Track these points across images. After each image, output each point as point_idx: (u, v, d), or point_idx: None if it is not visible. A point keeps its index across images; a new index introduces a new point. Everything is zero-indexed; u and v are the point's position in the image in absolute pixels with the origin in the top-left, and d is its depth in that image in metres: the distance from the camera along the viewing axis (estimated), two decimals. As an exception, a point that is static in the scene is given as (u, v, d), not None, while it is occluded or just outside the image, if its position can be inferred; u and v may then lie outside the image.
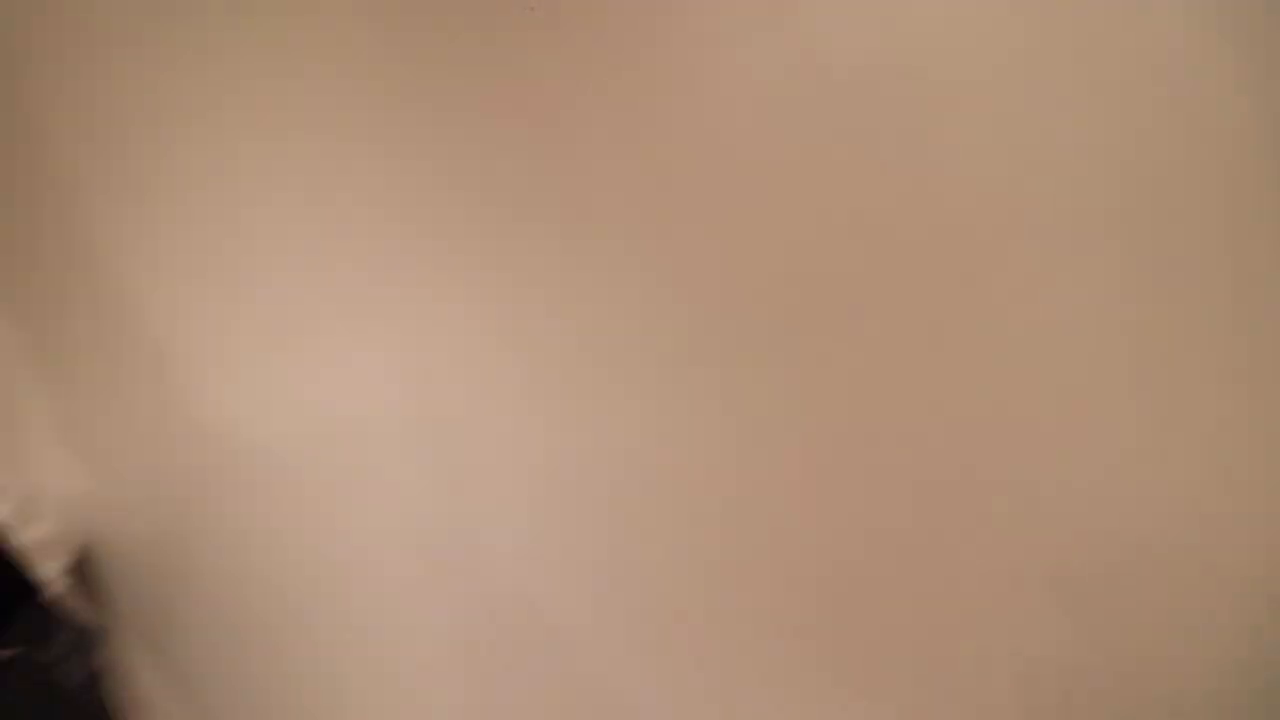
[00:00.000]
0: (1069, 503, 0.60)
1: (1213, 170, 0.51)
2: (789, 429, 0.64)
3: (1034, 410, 0.57)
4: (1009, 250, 0.56)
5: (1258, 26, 0.52)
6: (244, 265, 0.87)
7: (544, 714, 0.80)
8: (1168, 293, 0.53)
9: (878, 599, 0.64)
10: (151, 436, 0.97)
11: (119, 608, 1.04)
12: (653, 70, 0.62)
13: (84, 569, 1.03)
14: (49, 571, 0.99)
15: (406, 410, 0.82)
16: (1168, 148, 0.51)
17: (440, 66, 0.69)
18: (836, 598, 0.66)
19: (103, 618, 1.01)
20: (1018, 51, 0.53)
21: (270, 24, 0.76)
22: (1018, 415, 0.58)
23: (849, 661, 0.66)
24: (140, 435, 0.97)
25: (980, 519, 0.61)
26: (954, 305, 0.55)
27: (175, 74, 0.79)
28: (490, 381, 0.77)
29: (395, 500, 0.86)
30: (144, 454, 0.97)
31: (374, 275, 0.80)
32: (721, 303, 0.62)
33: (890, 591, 0.63)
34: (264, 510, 0.93)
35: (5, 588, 0.90)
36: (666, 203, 0.64)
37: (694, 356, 0.64)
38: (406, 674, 0.91)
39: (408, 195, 0.77)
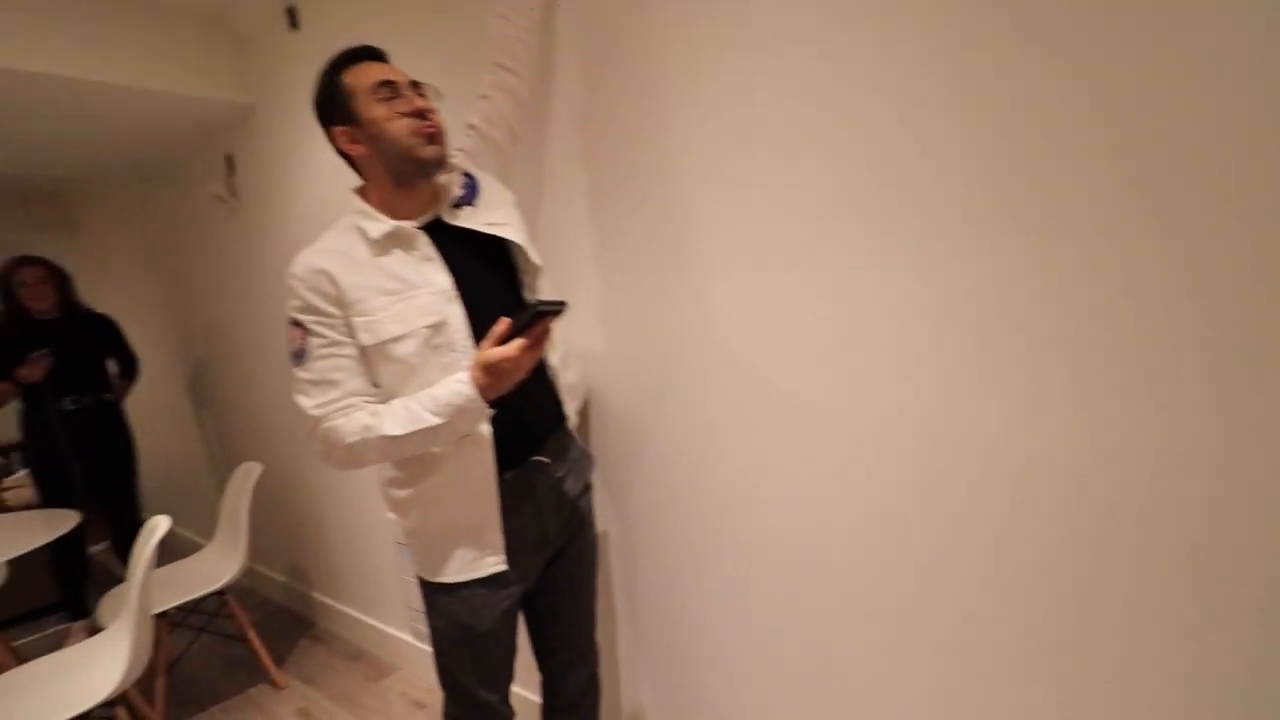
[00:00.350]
0: None
1: None
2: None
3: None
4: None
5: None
6: (767, 209, 1.07)
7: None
8: None
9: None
10: (656, 322, 1.23)
11: (604, 444, 1.38)
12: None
13: (587, 410, 1.36)
14: (571, 408, 1.21)
15: (852, 343, 1.00)
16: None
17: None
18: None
19: (591, 449, 1.36)
20: None
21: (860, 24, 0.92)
22: None
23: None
24: (649, 319, 1.24)
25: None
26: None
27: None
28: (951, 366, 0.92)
29: (816, 426, 1.07)
30: (647, 333, 1.25)
31: (867, 241, 0.97)
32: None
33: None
34: (715, 396, 1.18)
35: (551, 412, 1.15)
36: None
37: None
38: (793, 535, 1.14)
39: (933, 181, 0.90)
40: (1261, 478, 0.72)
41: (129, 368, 2.89)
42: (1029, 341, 0.85)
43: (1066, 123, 0.78)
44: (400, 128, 1.01)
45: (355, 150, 1.05)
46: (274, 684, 2.23)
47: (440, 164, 1.06)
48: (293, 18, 1.98)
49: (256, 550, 2.56)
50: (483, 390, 0.95)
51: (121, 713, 1.63)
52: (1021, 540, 0.90)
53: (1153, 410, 0.77)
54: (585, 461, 1.27)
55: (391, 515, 1.15)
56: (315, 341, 1.00)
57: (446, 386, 0.97)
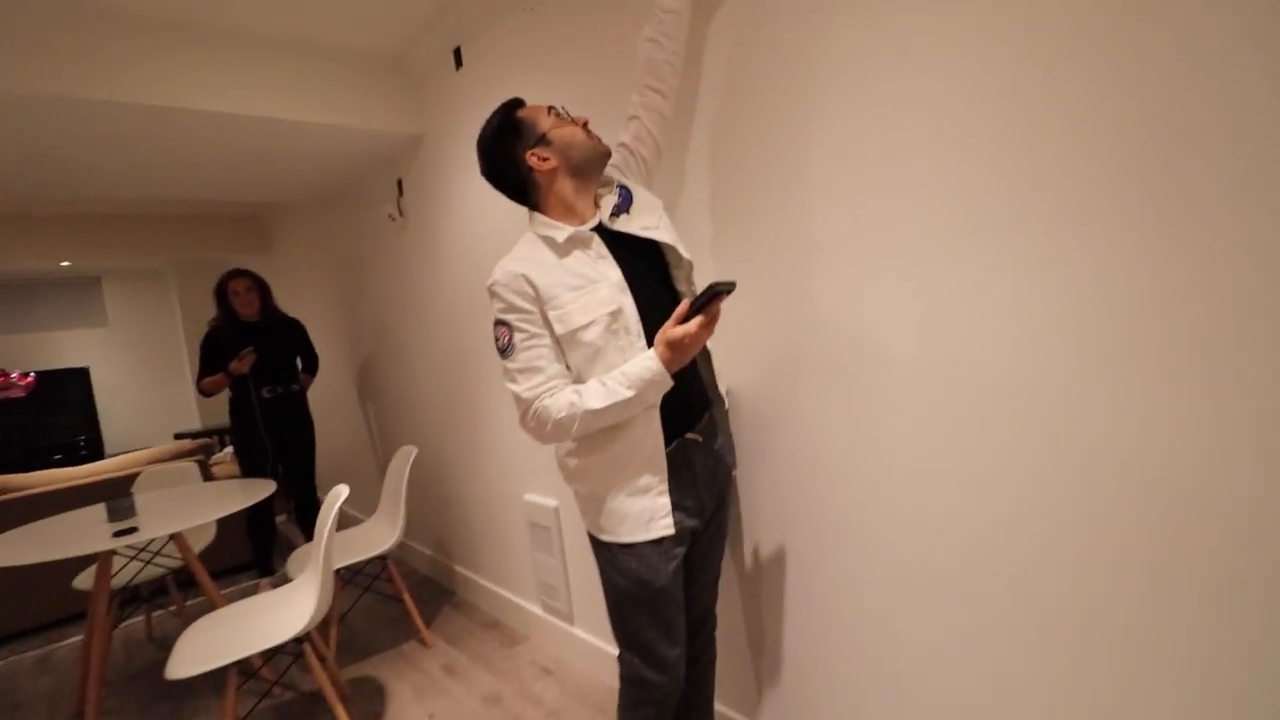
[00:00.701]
0: None
1: None
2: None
3: None
4: None
5: None
6: (881, 208, 1.17)
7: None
8: None
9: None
10: (782, 311, 1.39)
11: (735, 433, 1.52)
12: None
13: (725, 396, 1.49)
14: (722, 388, 1.43)
15: (963, 345, 1.08)
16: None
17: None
18: None
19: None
20: None
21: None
22: None
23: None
24: (776, 310, 1.40)
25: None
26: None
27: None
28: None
29: (941, 423, 1.13)
30: (774, 324, 1.40)
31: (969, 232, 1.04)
32: None
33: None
34: (837, 386, 1.30)
35: (706, 391, 1.37)
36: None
37: None
38: (923, 534, 1.20)
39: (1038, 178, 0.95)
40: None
41: (311, 364, 3.37)
42: (1175, 339, 0.87)
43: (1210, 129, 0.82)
44: (578, 134, 1.24)
45: (546, 165, 1.24)
46: (423, 642, 2.53)
47: (609, 156, 1.28)
48: (458, 58, 2.29)
49: (408, 525, 2.90)
50: (666, 364, 1.12)
51: (308, 648, 1.94)
52: (1169, 541, 0.92)
53: None
54: (729, 443, 1.44)
55: (575, 485, 1.31)
56: (519, 336, 1.19)
57: (636, 364, 1.14)
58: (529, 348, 1.19)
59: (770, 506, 1.47)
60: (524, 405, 1.20)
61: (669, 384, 1.15)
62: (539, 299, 1.19)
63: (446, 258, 2.62)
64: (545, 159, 1.24)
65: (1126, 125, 0.87)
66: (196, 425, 6.00)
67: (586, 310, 1.18)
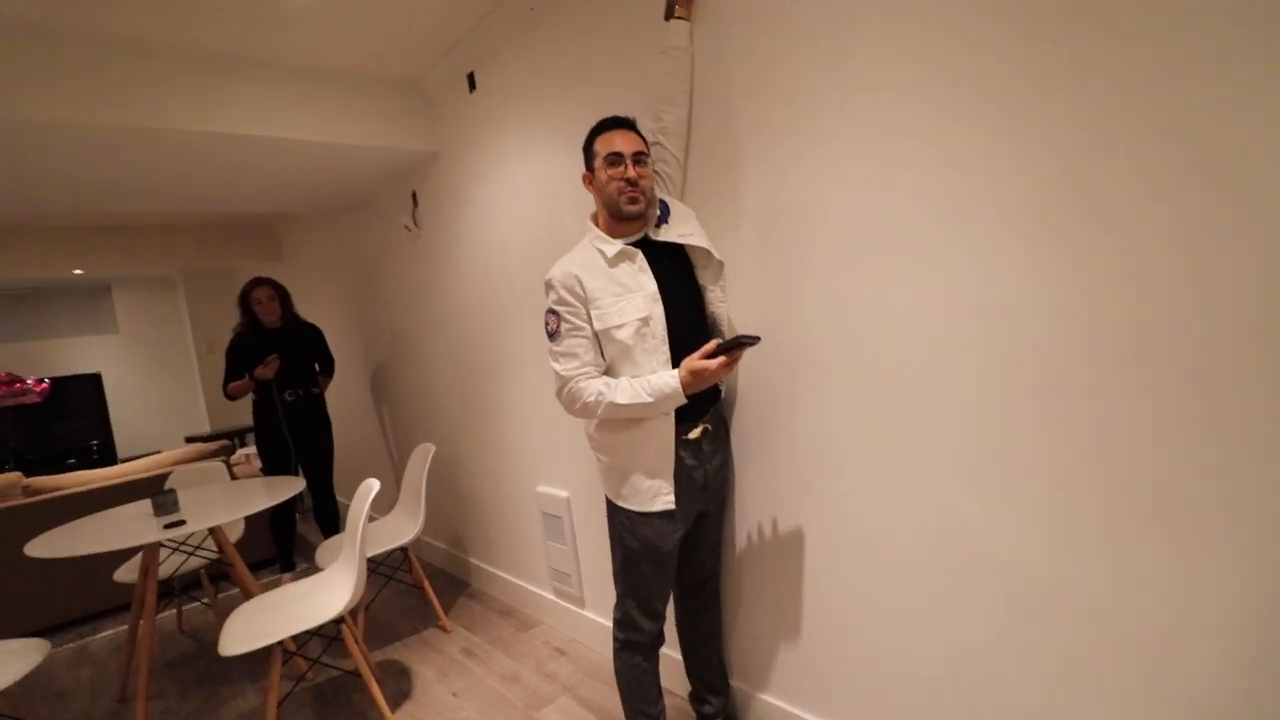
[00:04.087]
0: None
1: None
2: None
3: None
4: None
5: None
6: (880, 212, 1.31)
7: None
8: None
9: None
10: (789, 307, 1.52)
11: (738, 421, 1.68)
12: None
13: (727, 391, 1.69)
14: (721, 386, 1.63)
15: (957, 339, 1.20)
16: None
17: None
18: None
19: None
20: None
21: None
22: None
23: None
24: (787, 307, 1.53)
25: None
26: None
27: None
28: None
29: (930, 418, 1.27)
30: (783, 320, 1.53)
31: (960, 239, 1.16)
32: None
33: None
34: (835, 383, 1.45)
35: (712, 390, 1.54)
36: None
37: None
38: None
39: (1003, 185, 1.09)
40: None
41: (329, 367, 3.53)
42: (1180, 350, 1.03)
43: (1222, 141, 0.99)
44: (613, 189, 1.45)
45: (590, 190, 1.54)
46: (443, 628, 2.70)
47: (637, 218, 1.48)
48: (472, 82, 2.46)
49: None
50: (685, 386, 1.36)
51: (345, 629, 2.10)
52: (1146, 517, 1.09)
53: None
54: (726, 432, 1.68)
55: (598, 455, 1.56)
56: (565, 325, 1.45)
57: (661, 378, 1.37)
58: (572, 336, 1.44)
59: (766, 496, 1.65)
60: (561, 381, 1.46)
61: (683, 402, 1.39)
62: (585, 298, 1.43)
63: (459, 265, 2.79)
64: (590, 185, 1.52)
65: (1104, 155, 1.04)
66: (206, 429, 6.14)
67: (622, 314, 1.42)
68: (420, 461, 2.77)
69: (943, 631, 1.31)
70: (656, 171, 1.62)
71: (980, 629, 1.25)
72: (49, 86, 1.94)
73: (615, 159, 1.44)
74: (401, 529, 2.71)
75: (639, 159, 1.45)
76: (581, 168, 1.55)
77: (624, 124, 1.50)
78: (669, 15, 1.58)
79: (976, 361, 1.18)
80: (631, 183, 1.44)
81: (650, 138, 1.61)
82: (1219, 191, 0.89)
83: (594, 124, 1.52)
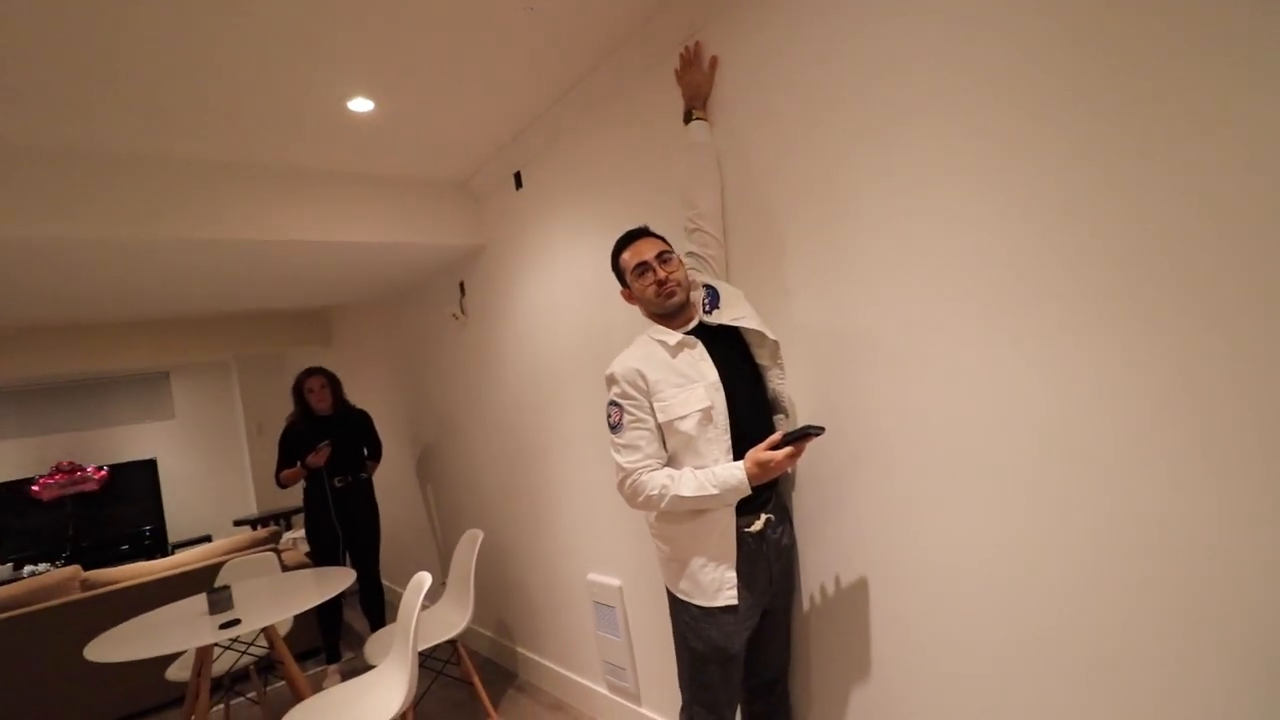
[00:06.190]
0: None
1: None
2: None
3: None
4: None
5: None
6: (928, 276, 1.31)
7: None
8: None
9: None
10: (840, 403, 1.51)
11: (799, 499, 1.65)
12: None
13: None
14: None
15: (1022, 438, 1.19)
16: None
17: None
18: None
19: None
20: None
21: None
22: None
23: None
24: (834, 403, 1.52)
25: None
26: None
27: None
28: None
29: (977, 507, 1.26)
30: (833, 417, 1.51)
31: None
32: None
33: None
34: (886, 472, 1.43)
35: (771, 486, 1.50)
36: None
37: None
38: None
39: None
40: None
41: (377, 451, 3.59)
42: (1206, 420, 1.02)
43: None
44: (649, 294, 1.51)
45: (632, 303, 1.60)
46: (493, 726, 2.61)
47: (679, 310, 1.52)
48: (518, 180, 2.58)
49: (473, 608, 3.02)
50: (751, 478, 1.34)
51: (396, 732, 2.05)
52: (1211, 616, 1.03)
53: None
54: (790, 522, 1.63)
55: (659, 543, 1.54)
56: (628, 418, 1.45)
57: (727, 470, 1.36)
58: (634, 428, 1.44)
59: (831, 585, 1.59)
60: (623, 474, 1.45)
61: (748, 493, 1.36)
62: (648, 391, 1.44)
63: (506, 353, 2.84)
64: (630, 298, 1.57)
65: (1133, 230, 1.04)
66: (254, 511, 6.23)
67: (686, 405, 1.42)
68: (469, 548, 2.75)
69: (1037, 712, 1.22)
70: (700, 255, 1.67)
71: (1085, 707, 1.15)
72: (116, 207, 2.10)
73: (643, 269, 1.50)
74: (451, 620, 2.66)
75: (664, 258, 1.50)
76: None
77: (640, 234, 1.56)
78: (688, 120, 1.72)
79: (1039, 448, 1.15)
80: (663, 282, 1.48)
81: (690, 224, 1.69)
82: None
83: (613, 246, 1.58)
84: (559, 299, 2.45)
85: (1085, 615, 1.14)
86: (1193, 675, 1.02)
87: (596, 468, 2.37)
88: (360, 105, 2.03)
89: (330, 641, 3.39)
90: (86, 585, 3.27)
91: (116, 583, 3.32)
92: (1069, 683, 1.17)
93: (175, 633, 2.18)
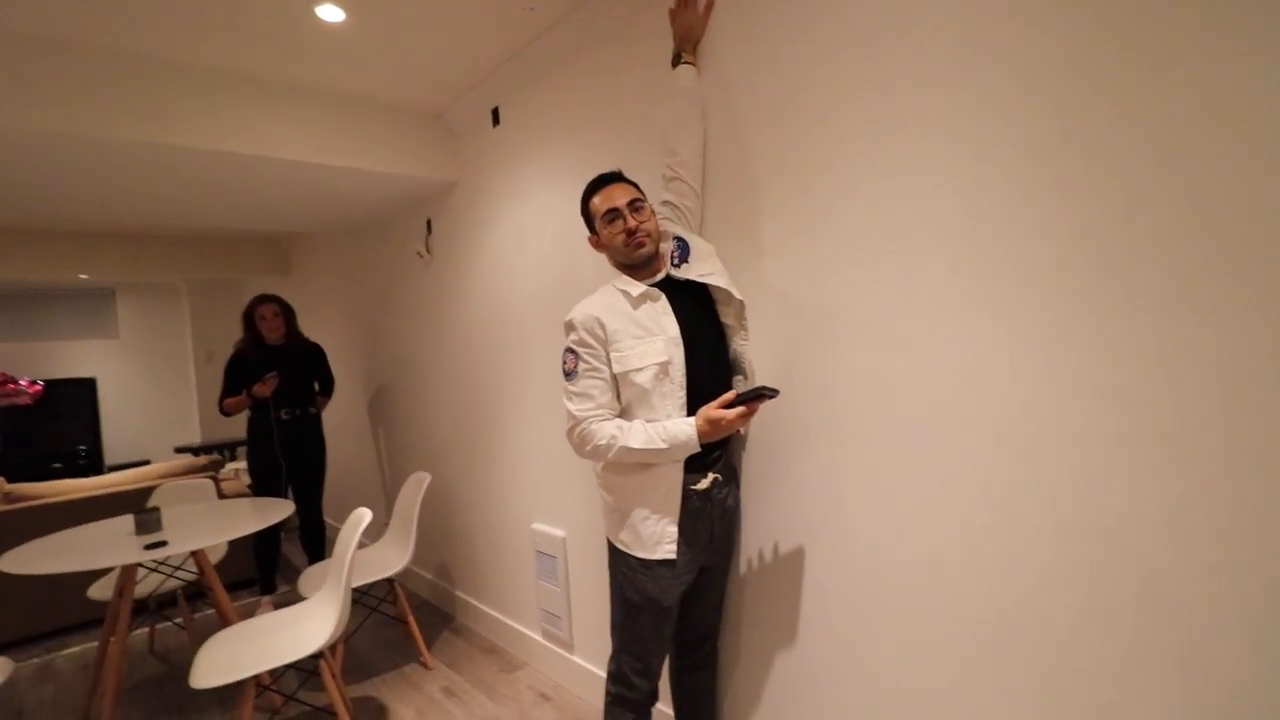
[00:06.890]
0: None
1: None
2: None
3: None
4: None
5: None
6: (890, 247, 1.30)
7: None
8: None
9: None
10: (797, 371, 1.49)
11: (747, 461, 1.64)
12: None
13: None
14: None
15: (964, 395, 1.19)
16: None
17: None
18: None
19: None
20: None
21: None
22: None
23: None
24: (791, 370, 1.51)
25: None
26: None
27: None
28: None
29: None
30: (802, 361, 1.49)
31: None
32: None
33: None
34: (829, 445, 1.44)
35: (724, 440, 1.50)
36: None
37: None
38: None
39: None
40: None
41: (328, 387, 3.49)
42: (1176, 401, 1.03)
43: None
44: (617, 242, 1.46)
45: (600, 250, 1.55)
46: (424, 665, 2.61)
47: (648, 261, 1.47)
48: (495, 117, 2.48)
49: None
50: (701, 435, 1.33)
51: (324, 665, 2.02)
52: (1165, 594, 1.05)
53: None
54: (736, 484, 1.62)
55: (604, 493, 1.53)
56: (583, 365, 1.42)
57: (678, 425, 1.34)
58: (588, 377, 1.42)
59: (770, 549, 1.60)
60: (574, 422, 1.43)
61: (697, 449, 1.35)
62: (605, 340, 1.41)
63: (470, 297, 2.77)
64: (598, 245, 1.52)
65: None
66: (197, 440, 6.06)
67: (643, 357, 1.39)
68: (414, 490, 2.71)
69: (957, 697, 1.25)
70: (676, 205, 1.63)
71: (1001, 694, 1.19)
72: (61, 98, 1.94)
73: (613, 215, 1.45)
74: (390, 559, 2.64)
75: (635, 206, 1.46)
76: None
77: (612, 179, 1.50)
78: (676, 63, 1.66)
79: (991, 421, 1.16)
80: (632, 231, 1.44)
81: (669, 172, 1.64)
82: None
83: (584, 189, 1.53)
84: (529, 245, 2.38)
85: (1013, 608, 1.16)
86: (1126, 657, 1.05)
87: (550, 418, 2.34)
88: (330, 13, 1.91)
89: (266, 573, 3.33)
90: (10, 498, 3.14)
91: (42, 498, 3.20)
92: (992, 668, 1.20)
93: (98, 551, 2.10)
